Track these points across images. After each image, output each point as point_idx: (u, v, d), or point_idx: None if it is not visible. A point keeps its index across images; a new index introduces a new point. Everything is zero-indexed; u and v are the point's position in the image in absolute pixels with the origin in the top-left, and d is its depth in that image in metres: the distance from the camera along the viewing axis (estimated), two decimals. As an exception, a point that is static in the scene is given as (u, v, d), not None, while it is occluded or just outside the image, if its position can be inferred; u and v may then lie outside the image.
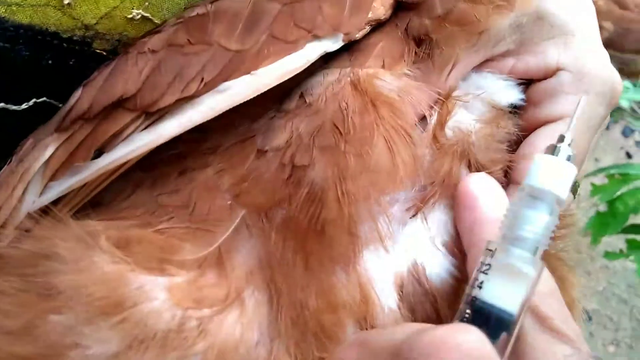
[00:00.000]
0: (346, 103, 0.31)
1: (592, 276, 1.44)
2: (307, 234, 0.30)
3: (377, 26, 0.35)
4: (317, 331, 0.30)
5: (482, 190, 0.32)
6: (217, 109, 0.30)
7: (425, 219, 0.32)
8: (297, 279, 0.30)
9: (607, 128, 1.64)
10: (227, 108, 0.30)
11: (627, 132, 1.68)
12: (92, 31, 0.37)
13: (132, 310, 0.27)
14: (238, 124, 0.33)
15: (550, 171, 0.28)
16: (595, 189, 1.03)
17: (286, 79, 0.30)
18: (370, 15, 0.33)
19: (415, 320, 0.31)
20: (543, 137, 0.34)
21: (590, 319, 1.38)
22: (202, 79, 0.30)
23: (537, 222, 0.27)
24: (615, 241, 1.06)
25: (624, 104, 1.17)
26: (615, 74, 0.35)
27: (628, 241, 1.03)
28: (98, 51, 0.37)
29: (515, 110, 0.36)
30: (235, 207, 0.31)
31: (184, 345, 0.27)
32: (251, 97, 0.30)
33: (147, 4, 0.37)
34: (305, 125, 0.31)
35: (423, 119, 0.34)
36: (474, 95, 0.35)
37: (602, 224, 1.02)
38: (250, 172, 0.31)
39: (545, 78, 0.35)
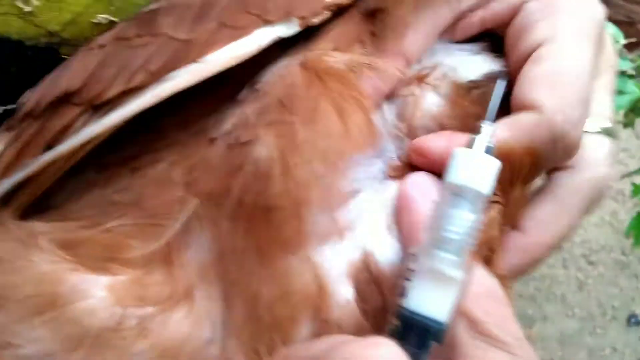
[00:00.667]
0: (292, 80, 0.30)
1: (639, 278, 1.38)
2: (254, 217, 0.28)
3: (341, 12, 0.33)
4: (271, 326, 0.28)
5: (420, 192, 0.29)
6: (160, 96, 0.29)
7: (381, 201, 0.31)
8: (250, 269, 0.28)
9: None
10: (169, 95, 0.29)
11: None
12: (58, 38, 0.36)
13: (65, 308, 0.26)
14: (195, 122, 0.32)
15: (469, 166, 0.26)
16: (637, 189, 0.98)
17: (233, 64, 0.29)
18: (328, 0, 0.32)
19: (367, 311, 0.29)
20: (528, 67, 0.30)
21: (639, 323, 1.31)
22: (148, 70, 0.29)
23: (461, 222, 0.26)
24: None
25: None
26: None
27: (671, 241, 0.97)
28: (65, 57, 0.37)
29: (477, 85, 0.33)
30: (186, 199, 0.30)
31: (122, 343, 0.26)
32: (195, 82, 0.29)
33: (112, 8, 0.37)
34: (253, 108, 0.30)
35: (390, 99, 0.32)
36: (442, 75, 0.33)
37: (644, 225, 0.97)
38: (200, 161, 0.30)
39: (509, 19, 0.32)
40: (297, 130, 0.29)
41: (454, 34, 0.33)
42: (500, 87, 0.28)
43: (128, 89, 0.29)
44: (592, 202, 0.32)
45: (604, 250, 1.42)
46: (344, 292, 0.29)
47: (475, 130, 0.28)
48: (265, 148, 0.29)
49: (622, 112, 1.04)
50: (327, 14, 0.32)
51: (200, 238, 0.29)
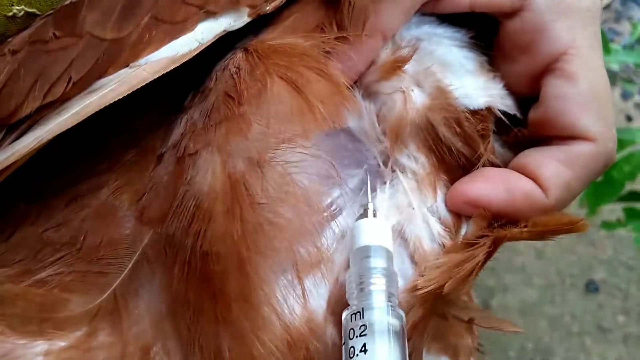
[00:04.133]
0: (237, 67, 0.26)
1: (597, 245, 1.38)
2: (197, 265, 0.24)
3: None
4: None
5: None
6: (82, 113, 0.24)
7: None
8: (206, 324, 0.24)
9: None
10: (95, 110, 0.24)
11: (626, 95, 1.62)
12: (-32, 34, 0.31)
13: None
14: (141, 137, 0.27)
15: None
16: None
17: (172, 67, 0.25)
18: None
19: None
20: (560, 85, 0.29)
21: (597, 289, 1.33)
22: (70, 79, 0.24)
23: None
24: (617, 208, 1.00)
25: (615, 67, 1.11)
26: None
27: (625, 210, 0.97)
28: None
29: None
30: (137, 234, 0.25)
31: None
32: (127, 93, 0.24)
33: (29, -3, 0.31)
34: (199, 111, 0.26)
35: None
36: (425, 71, 0.29)
37: (598, 193, 0.96)
38: (150, 182, 0.26)
39: (511, 11, 0.29)
40: (249, 122, 0.24)
41: (439, 7, 0.30)
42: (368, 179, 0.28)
43: (47, 103, 0.24)
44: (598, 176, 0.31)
45: (560, 218, 1.43)
46: (330, 337, 0.26)
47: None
48: (209, 174, 0.24)
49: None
50: (280, 0, 0.27)
51: (152, 286, 0.25)
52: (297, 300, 0.25)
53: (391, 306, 0.25)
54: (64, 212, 0.26)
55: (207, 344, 0.24)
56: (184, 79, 0.27)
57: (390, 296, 0.25)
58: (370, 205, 0.27)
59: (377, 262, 0.26)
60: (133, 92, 0.25)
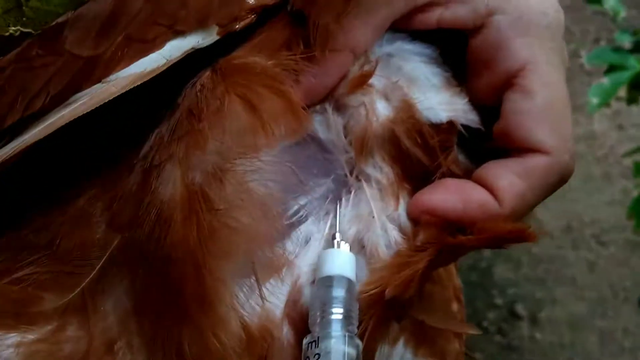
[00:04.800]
0: (201, 85, 0.28)
1: (652, 259, 1.34)
2: (159, 269, 0.26)
3: (268, 15, 0.30)
4: None
5: None
6: (55, 124, 0.26)
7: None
8: (168, 323, 0.26)
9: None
10: (66, 122, 0.26)
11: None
12: (-34, 56, 0.34)
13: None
14: (118, 148, 0.29)
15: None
16: (638, 169, 0.94)
17: (139, 83, 0.26)
18: (252, 1, 0.29)
19: None
20: (517, 100, 0.30)
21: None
22: (49, 93, 0.27)
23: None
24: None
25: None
26: (553, 1, 0.31)
27: (673, 221, 0.94)
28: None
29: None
30: (107, 238, 0.27)
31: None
32: (96, 106, 0.26)
33: (24, 19, 0.34)
34: (167, 125, 0.28)
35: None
36: (393, 85, 0.30)
37: (645, 206, 0.94)
38: (121, 191, 0.28)
39: (474, 28, 0.30)
40: (205, 134, 0.26)
41: (409, 24, 0.31)
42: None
43: (27, 115, 0.27)
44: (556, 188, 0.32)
45: (615, 229, 1.38)
46: (286, 337, 0.27)
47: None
48: (170, 185, 0.26)
49: (623, 88, 1.00)
50: (250, 18, 0.29)
51: (119, 285, 0.27)
52: (253, 301, 0.27)
53: (348, 335, 0.27)
54: (45, 218, 0.28)
55: (169, 341, 0.26)
56: (165, 95, 0.29)
57: (348, 325, 0.27)
58: (338, 235, 0.29)
59: (338, 292, 0.27)
60: (118, 106, 0.27)
